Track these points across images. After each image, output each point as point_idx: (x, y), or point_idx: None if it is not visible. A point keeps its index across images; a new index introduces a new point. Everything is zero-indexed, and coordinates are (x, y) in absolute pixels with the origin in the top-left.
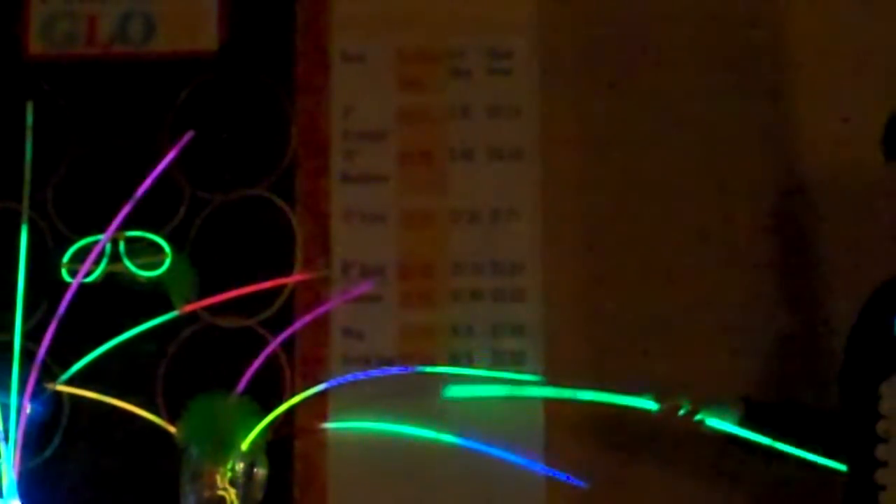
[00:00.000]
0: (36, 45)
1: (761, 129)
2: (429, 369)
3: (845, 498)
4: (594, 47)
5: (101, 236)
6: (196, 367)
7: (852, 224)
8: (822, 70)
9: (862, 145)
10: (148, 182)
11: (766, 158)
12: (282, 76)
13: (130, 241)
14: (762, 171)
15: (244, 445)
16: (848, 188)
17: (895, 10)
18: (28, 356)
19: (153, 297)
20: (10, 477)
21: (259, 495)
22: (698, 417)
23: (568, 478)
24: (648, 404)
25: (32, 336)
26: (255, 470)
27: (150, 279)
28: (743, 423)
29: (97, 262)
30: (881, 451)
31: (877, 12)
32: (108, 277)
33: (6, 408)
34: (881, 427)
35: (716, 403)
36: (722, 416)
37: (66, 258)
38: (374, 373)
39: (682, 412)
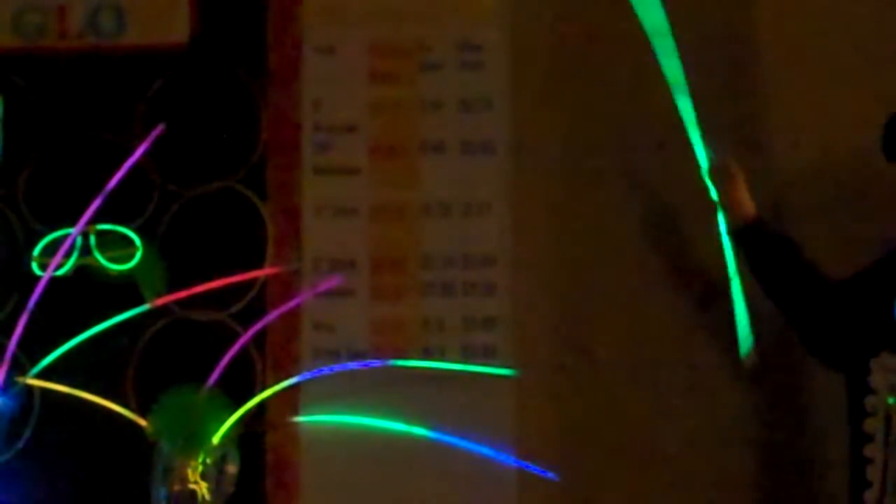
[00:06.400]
0: (6, 38)
1: (743, 119)
2: (400, 363)
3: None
4: (565, 39)
5: (71, 229)
6: (167, 360)
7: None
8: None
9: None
10: (119, 175)
11: (750, 149)
12: (253, 69)
13: (101, 235)
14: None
15: (215, 439)
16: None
17: None
18: None
19: (124, 291)
20: None
21: (230, 489)
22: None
23: (539, 470)
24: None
25: (3, 329)
26: (227, 464)
27: (120, 272)
28: (732, 232)
29: (68, 256)
30: (868, 426)
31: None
32: (79, 271)
33: None
34: (869, 402)
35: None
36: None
37: (36, 251)
38: (346, 366)
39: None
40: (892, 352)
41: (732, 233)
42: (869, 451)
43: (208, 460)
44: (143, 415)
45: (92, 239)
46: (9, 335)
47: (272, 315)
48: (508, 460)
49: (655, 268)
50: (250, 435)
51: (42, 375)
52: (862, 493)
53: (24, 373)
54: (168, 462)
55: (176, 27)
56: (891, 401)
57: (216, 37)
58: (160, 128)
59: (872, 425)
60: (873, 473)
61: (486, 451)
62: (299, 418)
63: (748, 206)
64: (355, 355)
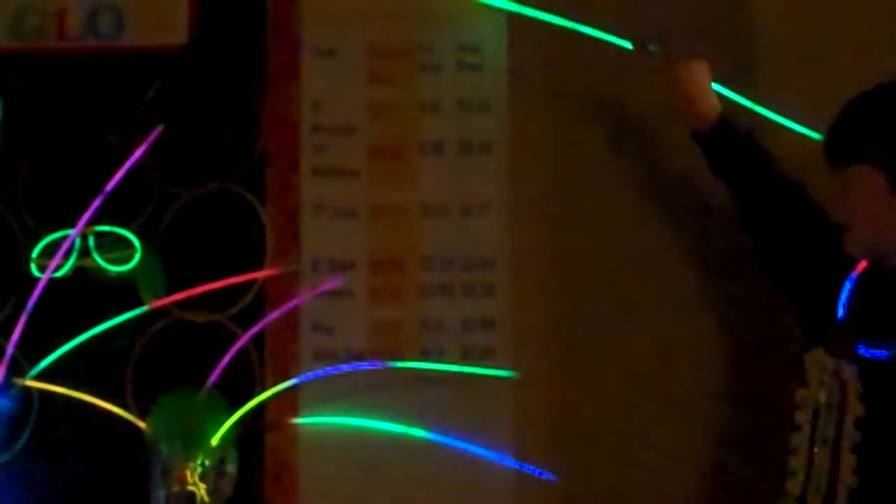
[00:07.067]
0: (5, 40)
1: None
2: (399, 364)
3: None
4: (564, 40)
5: (70, 231)
6: (166, 362)
7: None
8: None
9: None
10: (118, 176)
11: None
12: (252, 70)
13: (100, 236)
14: None
15: (214, 441)
16: None
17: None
18: None
19: (123, 292)
20: None
21: (229, 490)
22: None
23: (537, 471)
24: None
25: (1, 331)
26: (226, 465)
27: (119, 274)
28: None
29: (66, 257)
30: (796, 417)
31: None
32: (78, 272)
33: None
34: (800, 394)
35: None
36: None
37: (35, 253)
38: (345, 368)
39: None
40: (826, 351)
41: (691, 134)
42: (795, 441)
43: (207, 462)
44: (141, 416)
45: (91, 240)
46: (8, 336)
47: (271, 316)
48: (507, 462)
49: (655, 268)
50: (249, 436)
51: (41, 377)
52: (786, 480)
53: (22, 374)
54: (167, 463)
55: (175, 29)
56: (821, 398)
57: (215, 38)
58: (159, 129)
59: (801, 417)
60: (797, 464)
61: (484, 452)
62: (298, 419)
63: (705, 105)
64: (354, 356)
